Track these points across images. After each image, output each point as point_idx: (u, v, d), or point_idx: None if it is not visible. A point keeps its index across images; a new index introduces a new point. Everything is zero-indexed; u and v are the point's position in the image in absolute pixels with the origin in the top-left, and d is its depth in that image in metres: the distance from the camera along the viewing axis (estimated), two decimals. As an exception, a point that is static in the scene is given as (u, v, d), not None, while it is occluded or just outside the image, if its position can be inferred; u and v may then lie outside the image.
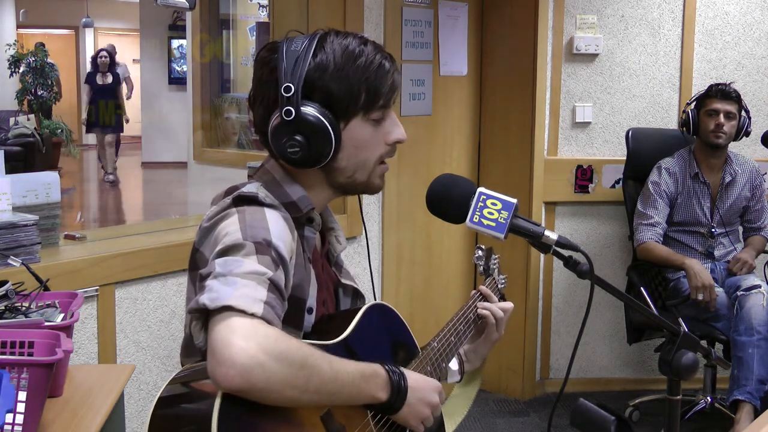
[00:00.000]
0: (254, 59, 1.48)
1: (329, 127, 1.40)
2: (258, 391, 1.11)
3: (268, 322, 1.16)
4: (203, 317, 1.17)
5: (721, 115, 3.62)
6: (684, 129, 3.75)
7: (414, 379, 1.39)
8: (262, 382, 1.10)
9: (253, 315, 1.14)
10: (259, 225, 1.30)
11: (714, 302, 3.46)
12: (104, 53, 10.79)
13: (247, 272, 1.20)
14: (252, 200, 1.38)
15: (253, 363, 1.09)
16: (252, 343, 1.10)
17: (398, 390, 1.34)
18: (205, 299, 1.15)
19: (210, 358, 1.11)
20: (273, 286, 1.21)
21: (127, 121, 11.86)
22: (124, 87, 11.59)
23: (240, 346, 1.10)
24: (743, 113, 3.68)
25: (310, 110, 1.39)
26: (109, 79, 10.82)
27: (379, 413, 1.36)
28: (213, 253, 1.27)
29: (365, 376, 1.28)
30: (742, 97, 3.69)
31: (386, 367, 1.34)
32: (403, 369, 1.38)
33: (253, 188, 1.42)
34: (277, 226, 1.32)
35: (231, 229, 1.30)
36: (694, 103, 3.74)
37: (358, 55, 1.42)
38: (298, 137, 1.39)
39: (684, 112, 3.75)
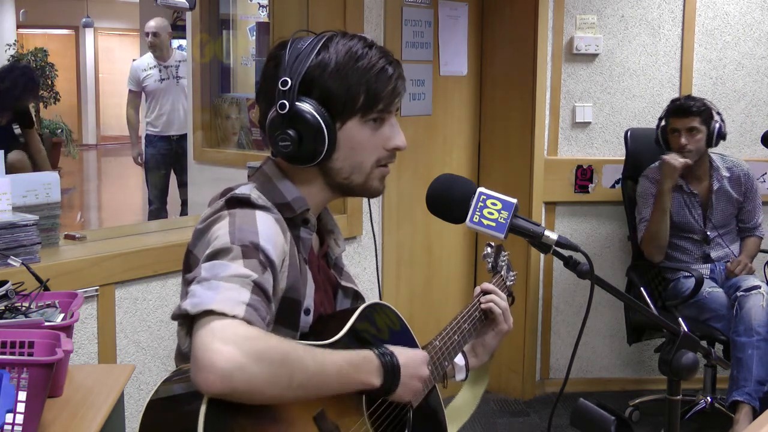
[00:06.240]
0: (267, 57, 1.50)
1: (323, 124, 1.40)
2: (241, 393, 1.10)
3: (250, 324, 1.15)
4: (187, 323, 1.17)
5: (682, 135, 3.58)
6: (659, 145, 3.71)
7: (404, 356, 1.38)
8: (244, 384, 1.09)
9: (234, 317, 1.13)
10: (248, 228, 1.30)
11: (690, 156, 3.54)
12: None
13: (232, 275, 1.19)
14: (244, 202, 1.38)
15: (233, 366, 1.08)
16: (231, 346, 1.09)
17: (392, 372, 1.33)
18: (187, 305, 1.15)
19: (192, 363, 1.10)
20: (257, 288, 1.20)
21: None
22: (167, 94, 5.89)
23: (219, 350, 1.09)
24: (715, 117, 3.60)
25: (304, 106, 1.40)
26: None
27: (374, 396, 1.36)
28: (202, 257, 1.27)
29: (354, 364, 1.28)
30: (707, 103, 3.60)
31: (376, 351, 1.33)
32: (391, 348, 1.37)
33: (246, 190, 1.42)
34: (266, 229, 1.32)
35: (221, 232, 1.30)
36: (663, 120, 3.68)
37: (360, 57, 1.43)
38: (290, 131, 1.40)
39: (656, 128, 3.71)
